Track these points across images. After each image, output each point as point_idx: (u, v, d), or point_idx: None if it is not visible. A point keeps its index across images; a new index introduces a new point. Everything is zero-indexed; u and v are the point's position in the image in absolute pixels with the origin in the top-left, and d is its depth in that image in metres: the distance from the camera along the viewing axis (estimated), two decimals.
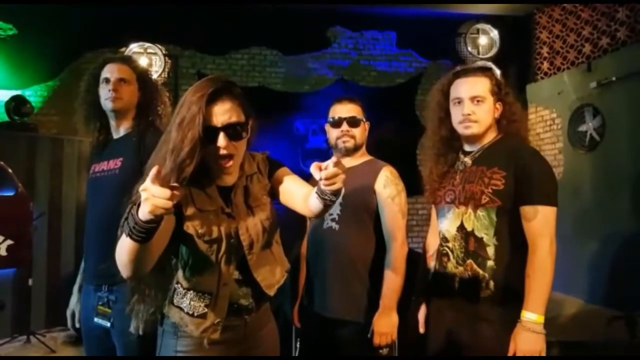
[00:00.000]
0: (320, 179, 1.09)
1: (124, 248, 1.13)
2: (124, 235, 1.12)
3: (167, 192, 0.99)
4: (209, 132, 1.27)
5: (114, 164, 1.87)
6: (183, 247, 1.37)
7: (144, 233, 1.07)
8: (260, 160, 1.51)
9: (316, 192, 1.19)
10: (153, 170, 1.00)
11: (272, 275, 1.48)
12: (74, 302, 2.02)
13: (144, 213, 1.03)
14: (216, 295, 1.36)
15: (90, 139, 2.09)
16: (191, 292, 1.37)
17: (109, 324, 1.78)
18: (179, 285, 1.38)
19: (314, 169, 1.09)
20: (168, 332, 1.40)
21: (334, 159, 1.09)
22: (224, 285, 1.37)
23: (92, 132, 2.02)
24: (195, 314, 1.35)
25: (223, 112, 1.29)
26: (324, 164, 1.10)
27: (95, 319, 1.81)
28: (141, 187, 1.02)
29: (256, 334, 1.47)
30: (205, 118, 1.25)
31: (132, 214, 1.07)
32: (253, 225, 1.42)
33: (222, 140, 1.28)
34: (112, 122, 1.96)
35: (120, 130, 1.95)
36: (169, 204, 1.00)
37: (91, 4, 4.83)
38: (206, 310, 1.35)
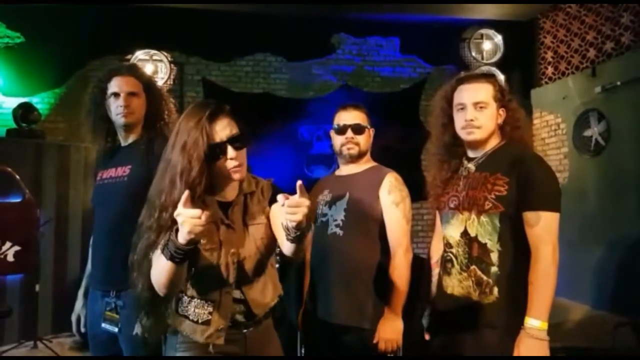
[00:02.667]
0: (284, 207, 1.13)
1: (164, 271, 1.26)
2: (162, 260, 1.25)
3: (198, 211, 1.13)
4: (215, 150, 1.35)
5: (122, 171, 1.89)
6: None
7: (184, 254, 1.21)
8: (265, 185, 1.55)
9: (284, 229, 1.23)
10: (183, 196, 1.15)
11: (262, 296, 1.51)
12: (79, 307, 2.03)
13: (183, 236, 1.17)
14: (219, 303, 1.42)
15: (96, 146, 2.07)
16: (195, 299, 1.43)
17: (116, 330, 1.78)
18: (183, 294, 1.44)
19: (280, 198, 1.14)
20: (169, 338, 1.47)
21: (298, 194, 1.13)
22: (226, 293, 1.42)
23: (99, 141, 2.02)
24: (200, 321, 1.41)
25: (224, 128, 1.38)
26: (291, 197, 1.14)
27: (103, 325, 1.81)
28: (175, 213, 1.17)
29: (258, 350, 1.50)
30: (209, 138, 1.33)
31: (172, 240, 1.21)
32: (246, 243, 1.47)
33: (231, 151, 1.37)
34: (121, 133, 1.97)
35: (128, 138, 1.96)
36: (203, 222, 1.14)
37: (95, 3, 4.87)
38: (210, 317, 1.41)
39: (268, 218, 1.51)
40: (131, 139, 1.96)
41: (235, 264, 1.44)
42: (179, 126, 1.37)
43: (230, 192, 1.48)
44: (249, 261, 1.47)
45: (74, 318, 2.04)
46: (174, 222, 1.26)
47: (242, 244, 1.46)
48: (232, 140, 1.38)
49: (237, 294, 1.46)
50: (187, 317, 1.42)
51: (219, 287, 1.42)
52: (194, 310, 1.42)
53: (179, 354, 1.44)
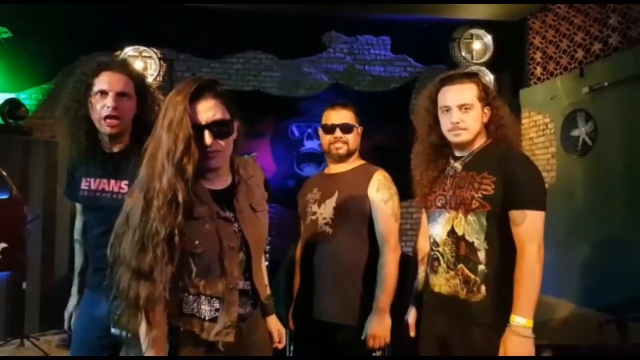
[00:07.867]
0: None
1: None
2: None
3: None
4: (194, 131, 1.26)
5: (118, 187, 1.73)
6: (188, 258, 1.32)
7: None
8: (258, 168, 1.54)
9: None
10: None
11: (264, 281, 1.52)
12: (72, 305, 1.92)
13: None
14: (225, 300, 1.36)
15: (72, 149, 1.78)
16: (202, 296, 1.35)
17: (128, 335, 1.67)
18: (186, 294, 1.35)
19: None
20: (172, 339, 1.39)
21: None
22: (231, 289, 1.37)
23: (75, 144, 1.75)
24: (207, 318, 1.35)
25: (206, 110, 1.29)
26: None
27: (112, 330, 1.64)
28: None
29: (249, 340, 1.48)
30: (190, 116, 1.25)
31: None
32: (259, 228, 1.46)
33: (207, 137, 1.28)
34: (105, 138, 1.76)
35: (115, 145, 1.77)
36: None
37: (85, 3, 4.82)
38: (217, 314, 1.35)
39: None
40: (119, 147, 1.77)
41: (241, 257, 1.40)
42: (169, 99, 1.28)
43: (222, 179, 1.41)
44: (257, 249, 1.44)
45: (66, 315, 1.92)
46: (168, 209, 1.23)
47: (253, 231, 1.42)
48: (212, 126, 1.29)
49: (241, 285, 1.41)
50: (194, 316, 1.35)
51: (224, 284, 1.36)
52: (201, 307, 1.35)
53: (183, 354, 1.35)
